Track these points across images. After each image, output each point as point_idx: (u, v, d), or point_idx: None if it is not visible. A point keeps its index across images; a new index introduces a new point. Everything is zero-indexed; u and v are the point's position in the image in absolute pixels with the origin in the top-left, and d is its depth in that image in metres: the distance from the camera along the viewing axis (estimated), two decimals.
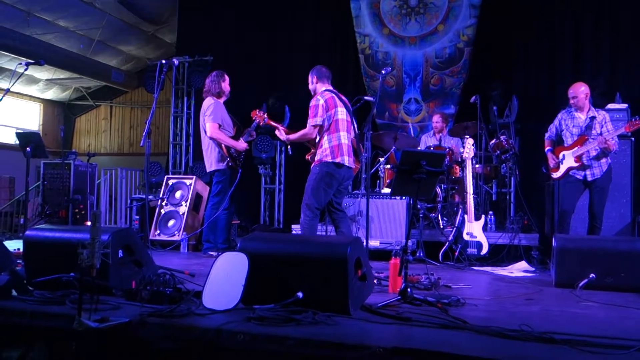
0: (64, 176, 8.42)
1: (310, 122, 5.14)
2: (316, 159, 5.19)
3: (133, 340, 2.81)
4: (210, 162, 6.21)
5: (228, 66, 6.87)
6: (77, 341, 2.81)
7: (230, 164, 6.15)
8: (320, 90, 5.28)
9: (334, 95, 5.23)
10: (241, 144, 6.22)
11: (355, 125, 5.46)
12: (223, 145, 6.10)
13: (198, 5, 10.08)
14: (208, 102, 6.18)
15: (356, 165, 5.41)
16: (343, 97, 5.36)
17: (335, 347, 2.53)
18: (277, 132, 5.60)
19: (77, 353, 2.82)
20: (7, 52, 10.57)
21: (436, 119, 7.67)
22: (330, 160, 5.08)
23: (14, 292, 3.36)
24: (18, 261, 4.13)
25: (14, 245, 5.24)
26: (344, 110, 5.23)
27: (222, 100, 6.26)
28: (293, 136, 5.39)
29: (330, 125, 5.13)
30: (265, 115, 5.89)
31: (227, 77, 6.31)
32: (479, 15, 8.45)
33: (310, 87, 5.38)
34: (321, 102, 5.12)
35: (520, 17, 8.27)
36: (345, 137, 5.17)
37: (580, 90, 5.70)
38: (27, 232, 3.87)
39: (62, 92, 14.21)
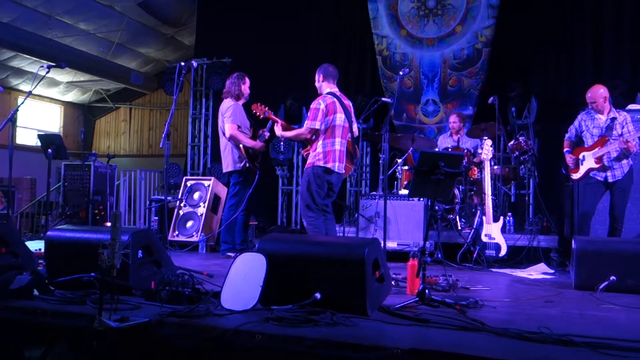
0: (84, 177, 8.52)
1: (308, 124, 5.22)
2: (309, 161, 5.29)
3: (152, 339, 2.84)
4: (228, 162, 6.24)
5: (245, 68, 6.90)
6: (98, 340, 2.84)
7: (247, 165, 6.18)
8: (325, 91, 5.34)
9: (335, 100, 5.29)
10: (259, 144, 6.24)
11: (355, 128, 5.53)
12: (241, 146, 6.12)
13: (216, 8, 10.14)
14: (227, 104, 6.22)
15: (350, 167, 5.47)
16: (345, 101, 5.39)
17: (353, 348, 2.53)
18: (275, 126, 5.66)
19: (98, 352, 2.85)
20: (29, 55, 10.74)
21: (453, 119, 7.59)
22: (322, 165, 5.20)
23: (35, 292, 3.41)
24: (39, 261, 4.19)
25: (36, 245, 5.31)
26: (343, 116, 5.30)
27: (241, 102, 6.29)
28: (288, 134, 5.53)
29: (327, 130, 5.21)
30: (266, 109, 5.91)
31: (247, 80, 6.34)
32: (497, 15, 8.40)
33: (316, 84, 5.45)
34: (322, 106, 5.20)
35: (538, 18, 8.19)
36: (339, 144, 5.26)
37: (599, 94, 5.62)
38: (49, 233, 3.92)
39: (82, 95, 14.38)
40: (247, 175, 6.23)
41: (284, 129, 5.59)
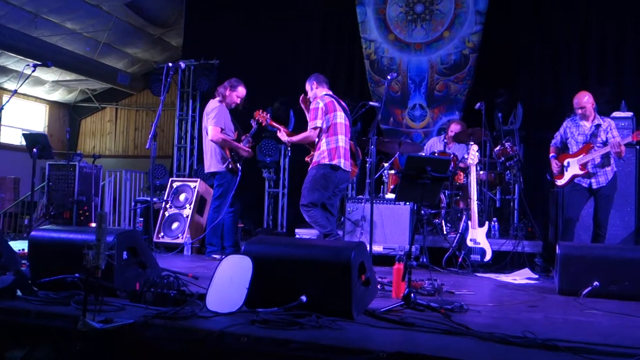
0: (69, 177, 8.43)
1: (311, 124, 5.27)
2: (313, 160, 5.30)
3: (137, 341, 2.82)
4: (210, 163, 6.20)
5: (233, 70, 6.91)
6: (81, 342, 2.82)
7: (230, 166, 6.16)
8: (321, 94, 5.38)
9: (333, 99, 5.36)
10: (245, 148, 6.23)
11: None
12: (226, 147, 6.11)
13: (205, 9, 10.11)
14: (213, 105, 6.20)
15: (353, 169, 5.48)
16: (342, 102, 5.47)
17: (339, 351, 2.53)
18: (278, 133, 5.69)
19: (81, 353, 2.83)
20: (15, 54, 10.64)
21: (455, 128, 7.39)
22: (327, 163, 5.23)
23: (18, 292, 3.37)
24: (23, 262, 4.15)
25: (19, 245, 5.25)
26: (343, 114, 5.35)
27: (224, 104, 6.26)
28: (295, 138, 5.57)
29: (329, 128, 5.26)
30: (268, 116, 5.93)
31: (240, 89, 6.25)
32: (484, 22, 8.45)
33: (310, 93, 5.52)
34: (321, 105, 5.26)
35: (525, 24, 8.27)
36: (343, 141, 5.29)
37: (585, 101, 5.68)
38: (33, 233, 3.88)
39: (68, 94, 14.27)
40: (231, 177, 6.20)
41: (288, 135, 5.62)
